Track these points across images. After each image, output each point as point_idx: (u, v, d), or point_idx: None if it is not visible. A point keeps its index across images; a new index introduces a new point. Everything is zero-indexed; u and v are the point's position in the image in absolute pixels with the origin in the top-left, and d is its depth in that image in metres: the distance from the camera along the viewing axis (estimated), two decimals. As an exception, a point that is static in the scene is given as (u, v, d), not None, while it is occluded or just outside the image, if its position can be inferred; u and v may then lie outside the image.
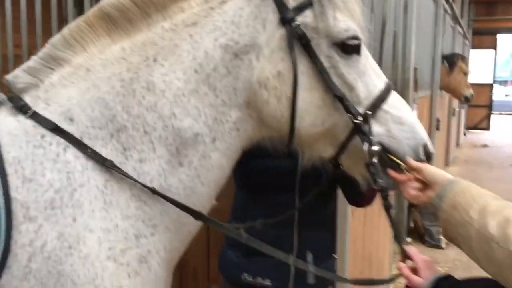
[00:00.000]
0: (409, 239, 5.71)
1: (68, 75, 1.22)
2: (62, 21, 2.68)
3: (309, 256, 1.75)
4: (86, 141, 1.17)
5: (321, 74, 1.24)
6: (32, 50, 2.36)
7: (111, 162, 1.15)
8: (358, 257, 3.20)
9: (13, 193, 1.09)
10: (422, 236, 5.68)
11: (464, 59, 7.56)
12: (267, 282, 1.77)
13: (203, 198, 1.27)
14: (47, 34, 2.35)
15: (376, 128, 1.31)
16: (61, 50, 1.23)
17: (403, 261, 1.39)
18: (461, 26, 10.54)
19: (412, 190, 1.32)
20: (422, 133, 1.36)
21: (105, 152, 1.17)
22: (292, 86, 1.23)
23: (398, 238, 1.44)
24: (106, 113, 1.18)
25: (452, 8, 8.42)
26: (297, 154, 1.67)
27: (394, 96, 1.35)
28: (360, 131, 1.28)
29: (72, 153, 1.15)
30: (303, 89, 1.24)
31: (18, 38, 2.55)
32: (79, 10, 2.53)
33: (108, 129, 1.18)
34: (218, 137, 1.24)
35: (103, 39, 1.24)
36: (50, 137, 1.16)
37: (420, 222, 5.67)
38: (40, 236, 1.08)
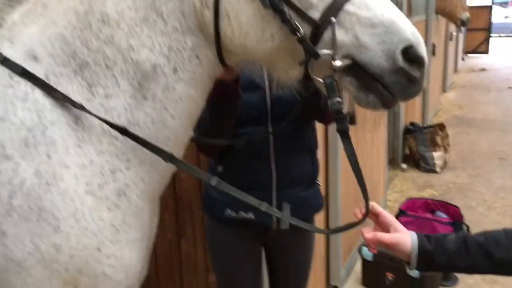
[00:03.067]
0: (404, 165, 5.80)
1: (28, 12, 1.20)
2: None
3: (286, 206, 1.71)
4: (52, 78, 1.16)
5: None
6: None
7: (80, 104, 1.14)
8: (351, 184, 3.26)
9: None
10: (417, 162, 5.77)
11: None
12: (250, 215, 1.75)
13: (176, 131, 1.26)
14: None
15: (341, 36, 1.10)
16: None
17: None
18: None
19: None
20: (403, 31, 1.10)
21: (71, 89, 1.16)
22: (233, 1, 1.13)
23: (364, 195, 1.25)
24: (66, 49, 1.17)
25: None
26: (264, 85, 1.70)
27: None
28: (304, 45, 1.11)
29: (40, 92, 1.15)
30: (242, 2, 1.13)
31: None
32: None
33: (71, 66, 1.17)
34: (178, 66, 1.20)
35: None
36: (18, 76, 1.15)
37: (415, 148, 5.73)
38: (18, 174, 1.10)
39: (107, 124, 1.16)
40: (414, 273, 3.10)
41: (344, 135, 1.17)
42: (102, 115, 1.17)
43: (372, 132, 3.87)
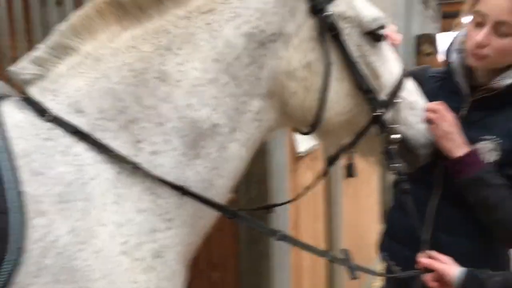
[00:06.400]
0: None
1: (77, 64, 1.18)
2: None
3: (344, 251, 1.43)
4: (97, 133, 1.13)
5: (351, 64, 1.24)
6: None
7: (137, 163, 1.12)
8: (350, 239, 3.26)
9: (24, 187, 1.05)
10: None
11: (428, 38, 7.53)
12: None
13: (221, 191, 1.24)
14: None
15: (393, 115, 1.33)
16: (69, 37, 1.18)
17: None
18: (430, 10, 10.72)
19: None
20: None
21: (115, 144, 1.13)
22: (323, 77, 1.22)
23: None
24: (117, 104, 1.14)
25: (421, -8, 8.55)
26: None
27: (408, 81, 1.39)
28: (379, 122, 1.31)
29: (82, 145, 1.12)
30: (333, 80, 1.24)
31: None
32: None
33: (119, 121, 1.14)
34: (238, 127, 1.20)
35: (112, 26, 1.19)
36: (59, 129, 1.12)
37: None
38: (52, 231, 1.04)
39: (165, 183, 1.14)
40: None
41: (406, 194, 1.40)
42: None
43: (366, 186, 3.91)
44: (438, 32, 13.59)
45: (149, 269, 1.12)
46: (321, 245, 2.81)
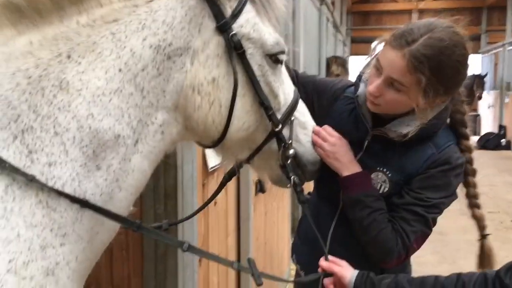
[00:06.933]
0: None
1: None
2: None
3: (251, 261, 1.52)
4: None
5: (253, 82, 1.30)
6: None
7: (33, 176, 1.04)
8: (260, 252, 3.28)
9: None
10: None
11: (338, 60, 7.97)
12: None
13: (121, 204, 1.19)
14: None
15: (287, 133, 1.45)
16: None
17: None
18: (341, 34, 11.35)
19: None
20: None
21: (6, 154, 1.05)
22: (228, 93, 1.26)
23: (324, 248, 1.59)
24: (8, 112, 1.06)
25: (333, 17, 9.04)
26: None
27: (300, 103, 1.52)
28: (278, 137, 1.41)
29: None
30: (236, 96, 1.28)
31: None
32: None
33: (11, 130, 1.06)
34: (141, 139, 1.19)
35: (6, 30, 1.11)
36: None
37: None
38: None
39: (64, 196, 1.07)
40: None
41: (304, 205, 1.56)
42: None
43: (278, 201, 3.98)
44: (347, 55, 14.52)
45: None
46: (232, 259, 2.77)
